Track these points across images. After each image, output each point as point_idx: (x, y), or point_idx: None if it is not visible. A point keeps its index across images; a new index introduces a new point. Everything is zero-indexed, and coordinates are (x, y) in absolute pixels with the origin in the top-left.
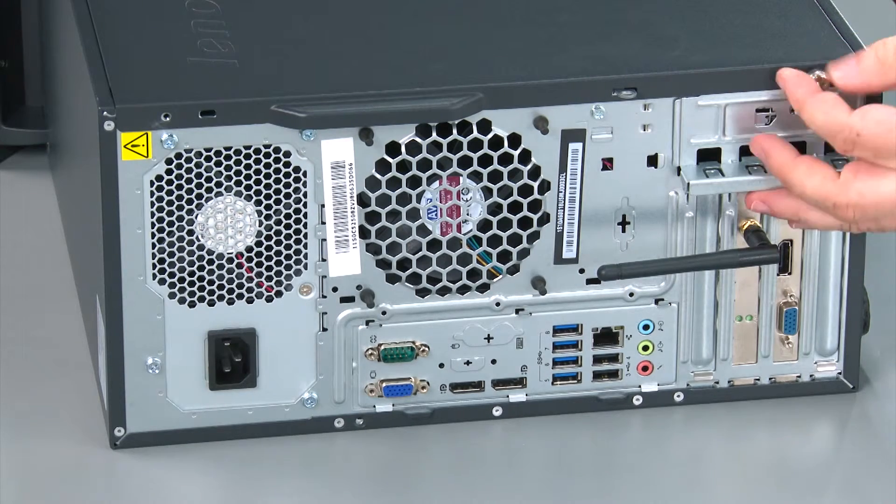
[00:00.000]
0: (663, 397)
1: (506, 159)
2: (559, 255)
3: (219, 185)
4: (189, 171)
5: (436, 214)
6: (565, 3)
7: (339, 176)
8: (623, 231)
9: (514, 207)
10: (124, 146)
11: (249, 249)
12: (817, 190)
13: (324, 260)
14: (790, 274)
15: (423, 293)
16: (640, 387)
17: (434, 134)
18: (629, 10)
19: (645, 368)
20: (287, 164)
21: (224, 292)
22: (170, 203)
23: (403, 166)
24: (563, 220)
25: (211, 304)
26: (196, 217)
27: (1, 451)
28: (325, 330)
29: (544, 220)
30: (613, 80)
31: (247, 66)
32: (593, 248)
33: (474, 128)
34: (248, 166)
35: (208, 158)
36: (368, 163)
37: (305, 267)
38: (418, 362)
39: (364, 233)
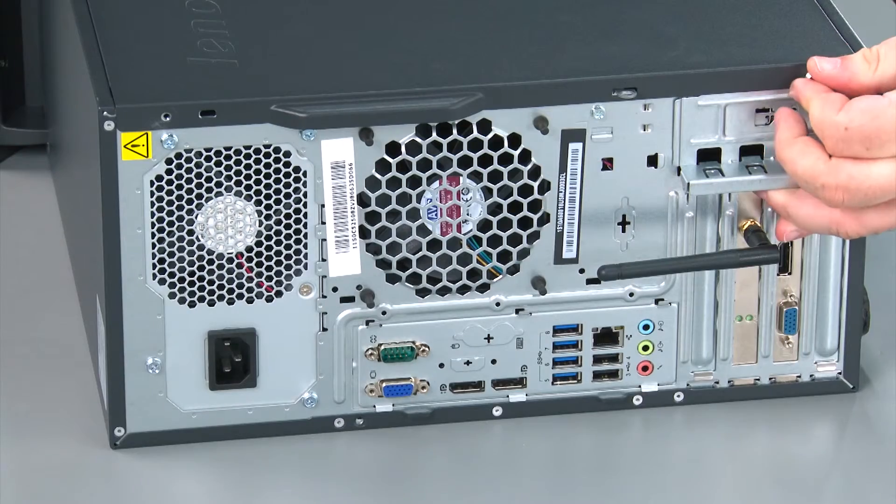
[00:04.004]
0: (663, 397)
1: (506, 159)
2: (559, 255)
3: (219, 185)
4: (189, 171)
5: (436, 214)
6: (565, 3)
7: (339, 176)
8: (623, 231)
9: (514, 207)
10: (124, 146)
11: (249, 249)
12: (807, 170)
13: (324, 260)
14: (790, 274)
15: (423, 293)
16: (640, 387)
17: (434, 134)
18: (629, 10)
19: (645, 368)
20: (287, 164)
21: (224, 292)
22: (170, 203)
23: (403, 166)
24: (563, 220)
25: (211, 304)
26: (196, 217)
27: (1, 451)
28: (325, 330)
29: (544, 220)
30: (613, 80)
31: (247, 66)
32: (593, 248)
33: (474, 128)
34: (248, 166)
35: (208, 158)
36: (368, 163)
37: (305, 267)
38: (418, 362)
39: (364, 233)
